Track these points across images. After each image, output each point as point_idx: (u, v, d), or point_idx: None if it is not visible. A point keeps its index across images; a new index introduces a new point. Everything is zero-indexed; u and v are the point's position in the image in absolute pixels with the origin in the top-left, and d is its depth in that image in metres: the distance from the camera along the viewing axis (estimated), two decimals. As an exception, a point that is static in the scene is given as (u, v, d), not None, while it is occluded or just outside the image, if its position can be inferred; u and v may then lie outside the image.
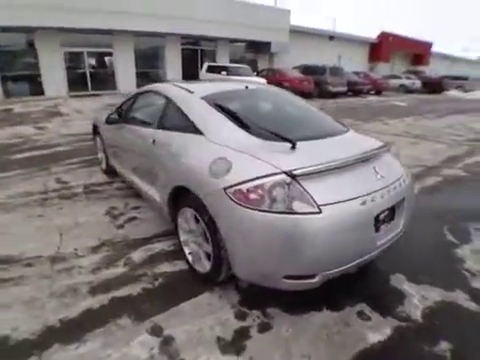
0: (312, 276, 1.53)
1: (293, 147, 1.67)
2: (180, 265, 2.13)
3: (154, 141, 2.25)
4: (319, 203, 1.46)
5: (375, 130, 7.10)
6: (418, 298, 1.93)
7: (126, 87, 13.44)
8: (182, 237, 2.09)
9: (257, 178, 1.50)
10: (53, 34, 11.35)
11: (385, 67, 25.77)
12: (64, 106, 9.55)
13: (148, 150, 2.31)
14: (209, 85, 2.63)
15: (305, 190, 1.48)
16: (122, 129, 2.86)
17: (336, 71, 14.56)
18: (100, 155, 3.82)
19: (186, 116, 2.07)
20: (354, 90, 15.74)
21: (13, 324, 1.64)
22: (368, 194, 1.60)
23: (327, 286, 1.67)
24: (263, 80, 11.97)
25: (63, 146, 5.21)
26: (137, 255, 2.25)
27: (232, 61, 16.49)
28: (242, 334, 1.62)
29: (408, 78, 20.19)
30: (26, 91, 11.59)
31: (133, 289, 1.91)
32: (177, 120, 2.14)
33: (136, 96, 2.89)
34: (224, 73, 11.84)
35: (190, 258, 2.04)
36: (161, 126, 2.29)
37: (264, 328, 1.66)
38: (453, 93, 20.02)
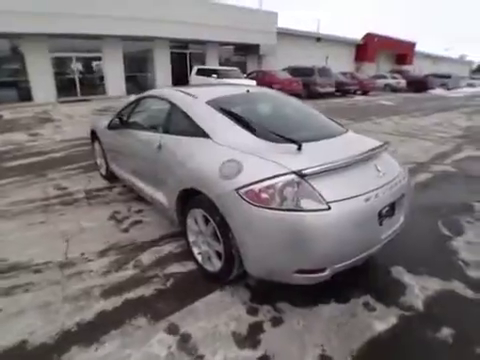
0: (322, 270, 1.61)
1: (299, 148, 1.75)
2: (189, 266, 2.18)
3: (160, 145, 2.29)
4: (328, 200, 1.54)
5: (366, 129, 7.28)
6: (418, 288, 2.03)
7: (115, 92, 13.37)
8: (191, 238, 2.14)
9: (268, 178, 1.57)
10: (41, 40, 11.20)
11: (371, 67, 26.36)
12: (54, 112, 9.42)
13: (153, 154, 2.35)
14: (211, 90, 2.69)
15: (314, 188, 1.56)
16: (124, 134, 2.89)
17: (324, 72, 14.82)
18: (99, 160, 3.82)
19: (192, 120, 2.12)
20: (342, 90, 16.07)
21: (29, 329, 1.66)
22: (372, 191, 1.70)
23: (332, 280, 1.75)
24: (253, 82, 12.11)
25: (58, 152, 5.17)
26: (146, 257, 2.28)
27: (221, 64, 16.59)
28: (256, 328, 1.68)
29: (393, 77, 20.72)
30: (14, 97, 11.38)
31: (146, 290, 1.94)
32: (183, 124, 2.19)
33: (138, 101, 2.93)
34: (214, 76, 11.91)
35: (199, 258, 2.09)
36: (166, 130, 2.34)
37: (276, 322, 1.73)
38: (437, 91, 20.66)
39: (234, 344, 1.58)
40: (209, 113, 2.10)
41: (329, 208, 1.53)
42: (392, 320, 1.77)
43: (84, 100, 12.20)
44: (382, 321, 1.76)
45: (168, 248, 2.40)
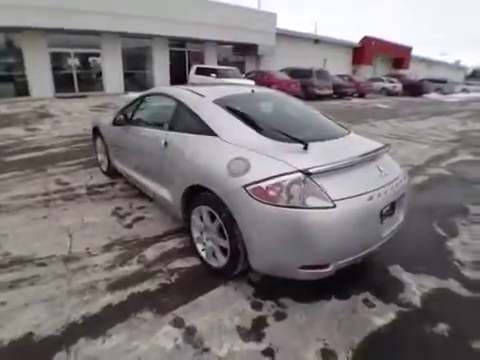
0: (326, 265, 1.66)
1: (305, 148, 1.80)
2: (193, 261, 2.21)
3: (166, 143, 2.32)
4: (333, 198, 1.59)
5: (363, 132, 7.37)
6: (416, 286, 2.10)
7: (113, 88, 13.31)
8: (195, 234, 2.17)
9: (276, 176, 1.62)
10: (39, 35, 11.11)
11: (367, 70, 26.62)
12: (52, 107, 9.35)
13: (159, 151, 2.38)
14: (217, 89, 2.73)
15: (320, 187, 1.61)
16: (129, 131, 2.91)
17: (322, 74, 14.92)
18: (100, 156, 3.83)
19: (199, 119, 2.16)
20: (339, 93, 16.17)
21: (35, 322, 1.67)
22: (374, 190, 1.75)
23: (333, 277, 1.80)
24: (252, 82, 12.15)
25: (57, 148, 5.15)
26: (149, 253, 2.31)
27: (220, 63, 16.60)
28: (260, 323, 1.72)
29: (390, 81, 20.93)
30: (11, 92, 11.25)
31: (150, 285, 1.97)
32: (190, 122, 2.23)
33: (142, 99, 2.95)
34: (213, 75, 11.93)
35: (203, 254, 2.12)
36: (172, 128, 2.37)
37: (280, 316, 1.77)
38: (433, 96, 20.94)
39: (239, 337, 1.62)
40: (217, 112, 2.14)
41: (334, 206, 1.58)
42: (391, 316, 1.82)
43: (82, 96, 12.12)
44: (381, 317, 1.81)
45: (171, 244, 2.43)
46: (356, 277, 2.15)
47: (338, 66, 23.67)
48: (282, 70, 15.55)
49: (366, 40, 26.72)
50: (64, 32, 11.36)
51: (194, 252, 2.23)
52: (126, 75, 13.94)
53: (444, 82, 23.02)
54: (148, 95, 2.92)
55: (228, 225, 1.79)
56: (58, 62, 12.25)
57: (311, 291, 1.96)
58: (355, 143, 2.20)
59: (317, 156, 1.78)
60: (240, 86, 2.92)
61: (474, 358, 1.60)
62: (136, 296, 1.88)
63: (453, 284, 2.12)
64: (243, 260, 1.82)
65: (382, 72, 27.47)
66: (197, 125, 2.15)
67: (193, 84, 13.18)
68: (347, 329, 1.71)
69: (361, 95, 17.98)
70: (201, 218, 2.06)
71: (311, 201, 1.58)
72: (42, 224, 2.68)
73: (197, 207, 2.04)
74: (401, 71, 28.38)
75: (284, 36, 19.48)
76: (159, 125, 2.54)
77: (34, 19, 10.12)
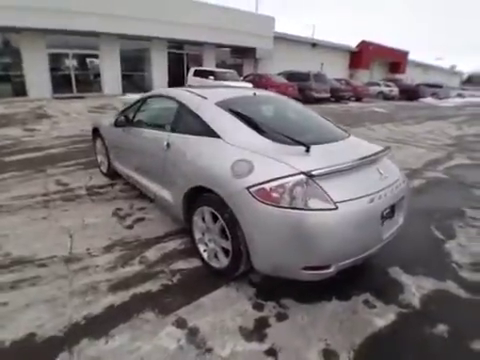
0: (328, 266, 1.67)
1: (307, 150, 1.82)
2: (194, 262, 2.22)
3: (168, 144, 2.33)
4: (335, 200, 1.61)
5: (361, 135, 7.35)
6: (415, 287, 2.12)
7: (111, 90, 13.31)
8: (197, 235, 2.18)
9: (279, 178, 1.64)
10: (38, 35, 11.09)
11: (364, 74, 26.86)
12: (50, 108, 9.31)
13: (161, 152, 2.39)
14: (219, 91, 2.75)
15: (322, 189, 1.63)
16: (130, 132, 2.92)
17: (320, 78, 15.05)
18: (100, 157, 3.83)
19: (202, 120, 2.17)
20: (336, 96, 16.32)
21: (37, 322, 1.67)
22: (375, 192, 1.78)
23: (334, 279, 1.82)
24: (250, 85, 12.20)
25: (56, 148, 5.14)
26: (151, 254, 2.31)
27: (218, 66, 16.67)
28: (262, 323, 1.73)
29: (387, 85, 21.15)
30: (8, 92, 11.19)
31: (152, 286, 1.97)
32: (192, 124, 2.25)
33: (144, 100, 2.96)
34: (211, 78, 11.98)
35: (205, 255, 2.13)
36: (174, 129, 2.38)
37: (281, 317, 1.79)
38: (429, 100, 21.18)
39: (241, 337, 1.63)
40: (219, 114, 2.16)
41: (336, 208, 1.60)
42: (391, 317, 1.84)
43: (79, 97, 12.10)
44: (382, 318, 1.83)
45: (173, 245, 2.43)
46: (356, 278, 2.17)
47: (335, 70, 23.86)
48: (280, 73, 15.66)
49: (363, 44, 26.99)
50: (63, 33, 11.36)
51: (195, 253, 2.24)
52: (124, 77, 13.94)
53: (440, 87, 23.32)
54: (149, 97, 2.94)
55: (231, 226, 1.81)
56: (56, 63, 12.22)
57: (312, 292, 1.98)
58: (355, 146, 2.23)
59: (319, 158, 1.81)
60: (241, 89, 2.95)
61: (473, 358, 1.63)
62: (138, 297, 1.88)
63: (451, 285, 2.15)
64: (245, 261, 1.84)
65: (379, 76, 27.75)
66: (200, 127, 2.17)
67: (190, 86, 13.23)
68: (348, 330, 1.73)
69: (358, 99, 18.14)
70: (203, 219, 2.07)
71: (313, 203, 1.60)
72: (42, 225, 2.68)
73: (199, 208, 2.05)
74: (398, 75, 28.69)
75: (282, 40, 19.62)
76: (161, 127, 2.56)
77: (33, 20, 10.11)
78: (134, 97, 12.12)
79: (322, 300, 1.94)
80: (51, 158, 4.59)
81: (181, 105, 2.41)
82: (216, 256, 2.04)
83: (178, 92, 2.58)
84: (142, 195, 3.21)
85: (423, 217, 3.19)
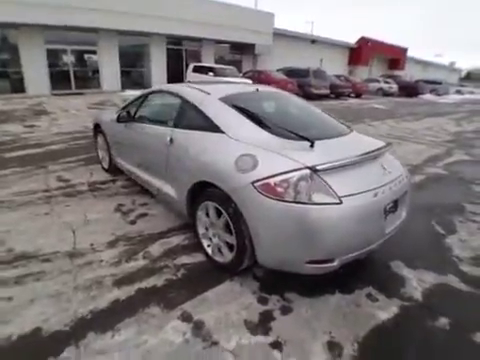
0: (332, 260, 1.69)
1: (312, 145, 1.82)
2: (198, 257, 2.23)
3: (171, 139, 2.33)
4: (339, 195, 1.62)
5: (361, 131, 7.43)
6: (417, 281, 2.14)
7: (110, 86, 13.24)
8: (200, 230, 2.19)
9: (284, 173, 1.64)
10: (36, 31, 11.00)
11: (364, 71, 26.81)
12: (48, 104, 9.27)
13: (164, 148, 2.39)
14: (221, 87, 2.74)
15: (326, 183, 1.64)
16: (132, 128, 2.91)
17: (319, 74, 14.99)
18: (101, 153, 3.82)
19: (206, 116, 2.17)
20: (336, 93, 16.28)
21: (43, 317, 1.67)
22: (379, 187, 1.79)
23: (336, 272, 1.84)
24: (249, 81, 12.16)
25: (56, 144, 5.12)
26: (154, 249, 2.32)
27: (217, 62, 16.59)
28: (267, 316, 1.75)
29: (386, 82, 21.12)
30: (6, 88, 11.11)
31: (157, 280, 1.98)
32: (196, 120, 2.24)
33: (146, 96, 2.95)
34: (211, 74, 11.94)
35: (209, 250, 2.14)
36: (177, 125, 2.38)
37: (286, 310, 1.80)
38: (428, 97, 21.19)
39: (247, 331, 1.65)
40: (223, 109, 2.16)
41: (340, 202, 1.61)
42: (394, 310, 1.86)
43: (78, 93, 12.04)
44: (385, 311, 1.85)
45: (176, 240, 2.44)
46: (359, 272, 2.19)
47: (335, 66, 23.81)
48: (279, 70, 15.61)
49: (363, 40, 26.91)
50: (61, 29, 11.27)
51: (199, 248, 2.25)
52: (123, 73, 13.86)
53: (439, 83, 23.31)
54: (152, 92, 2.93)
55: (235, 221, 1.82)
56: (55, 59, 12.13)
57: (315, 286, 1.99)
58: (358, 141, 2.24)
59: (323, 153, 1.81)
60: (243, 84, 2.94)
61: (475, 350, 1.65)
62: (143, 291, 1.89)
63: (452, 279, 2.17)
64: (249, 255, 1.85)
65: (378, 73, 27.68)
66: (203, 122, 2.17)
67: (190, 82, 13.11)
68: (352, 322, 1.75)
69: (357, 95, 18.11)
70: (207, 214, 2.08)
71: (318, 197, 1.61)
72: (45, 220, 2.68)
73: (203, 203, 2.06)
74: (397, 72, 28.63)
75: (281, 36, 19.53)
76: (164, 122, 2.55)
77: (32, 15, 10.03)
78: (133, 93, 12.11)
79: (325, 293, 1.96)
80: (52, 154, 4.58)
81: (184, 101, 2.41)
82: (220, 251, 2.05)
83: (181, 88, 2.57)
84: (144, 191, 3.21)
85: (424, 212, 3.21)
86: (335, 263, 1.70)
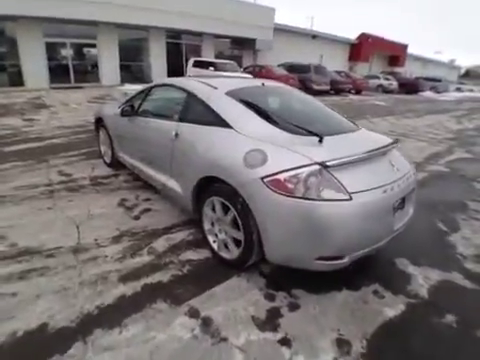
0: (341, 257, 1.68)
1: (320, 141, 1.80)
2: (204, 253, 2.22)
3: (177, 134, 2.30)
4: (349, 191, 1.61)
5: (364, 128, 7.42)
6: (422, 278, 2.14)
7: (110, 80, 13.11)
8: (206, 226, 2.17)
9: (293, 168, 1.62)
10: (35, 24, 10.83)
11: (364, 67, 26.70)
12: (48, 98, 9.16)
13: (169, 142, 2.36)
14: (227, 81, 2.70)
15: (336, 179, 1.62)
16: (136, 122, 2.87)
17: (320, 70, 14.93)
18: (103, 148, 3.79)
19: (212, 110, 2.14)
20: (336, 89, 16.23)
21: (49, 313, 1.65)
22: (388, 184, 1.78)
23: (343, 269, 1.81)
24: (250, 76, 12.09)
25: (57, 138, 5.07)
26: (159, 244, 2.30)
27: (217, 57, 16.45)
28: (274, 313, 1.74)
29: (386, 79, 21.06)
30: (5, 82, 10.97)
31: (163, 276, 1.97)
32: (202, 114, 2.21)
33: (150, 89, 2.91)
34: (211, 69, 11.85)
35: (215, 246, 2.13)
36: (183, 119, 2.35)
37: (293, 307, 1.79)
38: (427, 94, 21.15)
39: (255, 327, 1.64)
40: (230, 104, 2.13)
41: (351, 198, 1.60)
42: (401, 307, 1.86)
43: (77, 87, 11.91)
44: (392, 308, 1.85)
45: (181, 235, 2.42)
46: (365, 269, 2.19)
47: (335, 62, 23.68)
48: (280, 65, 15.52)
49: (363, 37, 26.75)
50: (60, 22, 11.12)
51: (204, 244, 2.24)
52: (122, 67, 13.72)
53: (439, 81, 23.27)
54: (156, 86, 2.89)
55: (243, 216, 1.80)
56: (54, 52, 11.98)
57: (322, 282, 1.99)
58: (367, 138, 2.22)
59: (332, 149, 1.79)
60: (249, 79, 2.90)
61: (482, 347, 1.65)
62: (149, 287, 1.87)
63: (457, 276, 2.17)
64: (257, 251, 1.83)
65: (378, 69, 27.59)
66: (210, 117, 2.14)
67: (189, 76, 13.03)
68: (360, 319, 1.74)
69: (357, 92, 18.05)
70: (213, 209, 2.06)
71: (328, 193, 1.60)
72: (48, 215, 2.65)
73: (209, 198, 2.04)
74: (397, 69, 28.54)
75: (281, 31, 19.37)
76: (169, 116, 2.51)
77: (30, 8, 9.86)
78: (133, 87, 12.00)
79: (332, 290, 1.95)
80: (53, 148, 4.53)
81: (190, 95, 2.37)
82: (226, 246, 2.04)
83: (187, 82, 2.53)
84: (147, 186, 3.18)
85: (427, 209, 3.21)
86: (345, 260, 1.69)
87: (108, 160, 3.70)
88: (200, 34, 15.67)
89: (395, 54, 31.16)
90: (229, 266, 2.05)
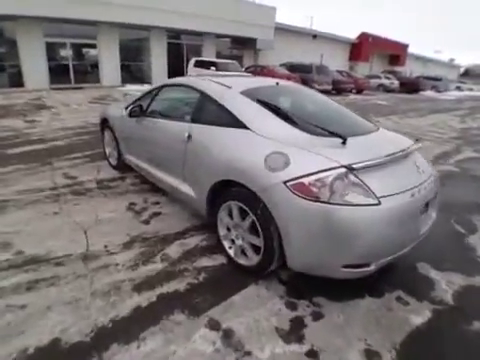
0: (368, 264, 1.60)
1: (344, 142, 1.72)
2: (219, 259, 2.13)
3: (189, 135, 2.21)
4: (378, 195, 1.52)
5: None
6: (445, 283, 2.07)
7: (110, 81, 13.01)
8: (221, 231, 2.09)
9: (319, 172, 1.54)
10: (35, 24, 10.71)
11: (364, 67, 26.64)
12: (48, 99, 9.06)
13: (181, 144, 2.27)
14: (240, 80, 2.61)
15: (364, 183, 1.54)
16: (145, 123, 2.78)
17: (322, 70, 14.86)
18: (108, 150, 3.69)
19: (228, 111, 2.05)
20: (338, 89, 16.14)
21: (61, 327, 1.55)
22: (415, 187, 1.70)
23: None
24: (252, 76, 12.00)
25: (60, 140, 4.96)
26: (172, 250, 2.21)
27: (218, 57, 16.36)
28: (298, 323, 1.66)
29: (387, 78, 21.00)
30: (4, 83, 10.84)
31: (179, 284, 1.88)
32: (216, 115, 2.12)
33: (160, 89, 2.81)
34: (213, 68, 11.76)
35: (231, 252, 2.04)
36: (196, 120, 2.25)
37: (317, 316, 1.71)
38: (429, 93, 21.11)
39: (279, 339, 1.55)
40: (246, 104, 2.04)
41: (379, 203, 1.51)
42: (427, 313, 1.79)
43: (78, 88, 11.81)
44: (418, 315, 1.77)
45: (194, 241, 2.34)
46: (386, 274, 2.10)
47: (335, 62, 23.60)
48: (281, 65, 15.44)
49: (363, 36, 26.70)
50: (60, 21, 11.00)
51: (219, 249, 2.15)
52: (123, 67, 13.62)
53: (439, 80, 23.21)
54: (166, 86, 2.79)
55: (263, 222, 1.71)
56: (54, 53, 11.87)
57: (344, 289, 1.90)
58: (389, 138, 2.14)
59: (356, 151, 1.71)
60: (262, 78, 2.82)
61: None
62: (165, 297, 1.78)
63: (480, 281, 2.10)
64: (278, 258, 1.75)
65: (378, 69, 27.53)
66: (225, 118, 2.05)
67: (190, 76, 12.92)
68: (386, 328, 1.67)
69: (359, 91, 17.98)
70: (230, 214, 1.97)
71: (355, 198, 1.51)
72: (54, 220, 2.55)
73: (226, 203, 1.95)
74: (397, 68, 28.49)
75: (282, 30, 19.29)
76: (180, 117, 2.42)
77: (30, 7, 9.73)
78: (134, 88, 11.88)
79: (355, 297, 1.87)
80: (56, 150, 4.43)
81: (203, 94, 2.28)
82: (244, 253, 1.95)
83: (198, 81, 2.44)
84: (155, 188, 3.09)
85: (441, 211, 3.10)
86: (372, 267, 1.61)
87: (114, 162, 3.60)
88: (201, 34, 15.58)
89: (395, 53, 31.12)
90: (247, 273, 1.96)
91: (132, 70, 14.39)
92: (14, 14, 9.87)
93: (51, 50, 11.68)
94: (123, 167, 3.49)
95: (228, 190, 1.92)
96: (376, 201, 1.51)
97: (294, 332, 1.60)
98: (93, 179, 3.40)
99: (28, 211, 2.68)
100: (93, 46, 12.82)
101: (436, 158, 5.09)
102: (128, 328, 1.57)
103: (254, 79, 2.74)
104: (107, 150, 3.73)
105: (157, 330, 1.57)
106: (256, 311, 1.72)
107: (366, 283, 1.96)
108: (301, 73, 14.03)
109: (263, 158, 1.69)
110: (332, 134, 1.76)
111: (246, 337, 1.55)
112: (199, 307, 1.72)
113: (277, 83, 2.47)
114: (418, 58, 36.81)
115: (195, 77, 2.67)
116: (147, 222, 2.59)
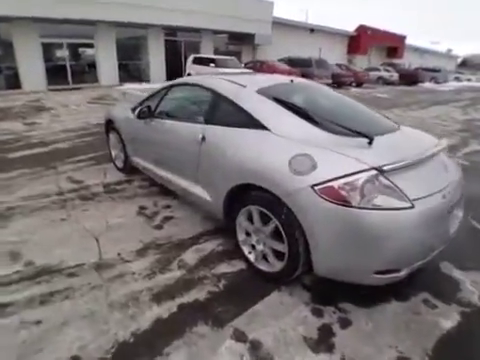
0: (398, 270, 1.53)
1: (370, 142, 1.64)
2: (238, 265, 2.06)
3: (203, 137, 2.12)
4: (411, 198, 1.45)
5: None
6: (470, 283, 2.00)
7: (108, 80, 12.84)
8: (240, 236, 2.01)
9: (349, 175, 1.46)
10: (31, 24, 10.50)
11: (363, 59, 26.45)
12: (47, 100, 8.92)
13: (195, 146, 2.18)
14: (254, 78, 2.52)
15: (396, 186, 1.46)
16: (154, 124, 2.68)
17: (321, 63, 14.73)
18: (114, 152, 3.59)
19: (244, 111, 1.96)
20: (337, 82, 16.01)
21: (79, 343, 1.48)
22: (446, 187, 1.63)
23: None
24: (251, 72, 11.87)
25: (62, 143, 4.86)
26: (188, 257, 2.14)
27: (216, 53, 16.17)
28: (326, 331, 1.59)
29: (386, 70, 20.85)
30: (1, 85, 10.70)
31: (199, 293, 1.81)
32: (232, 115, 2.03)
33: (169, 89, 2.71)
34: (212, 65, 11.62)
35: (252, 257, 1.96)
36: (210, 121, 2.16)
37: (344, 323, 1.65)
38: (428, 85, 21.00)
39: (308, 349, 1.49)
40: (264, 103, 1.95)
41: (413, 206, 1.44)
42: (456, 317, 1.72)
43: (76, 88, 11.64)
44: (447, 318, 1.71)
45: (210, 246, 2.26)
46: (409, 276, 2.04)
47: (334, 55, 23.41)
48: (280, 59, 15.28)
49: (361, 29, 26.46)
50: (57, 22, 10.79)
51: (237, 254, 2.08)
52: (121, 66, 13.44)
53: (438, 71, 23.08)
54: (175, 85, 2.69)
55: (287, 227, 1.64)
56: (50, 53, 11.70)
57: (368, 294, 1.83)
58: (414, 137, 2.06)
59: (384, 152, 1.64)
60: (275, 76, 2.72)
61: None
62: (186, 307, 1.71)
63: (507, 280, 2.04)
64: (303, 264, 1.68)
65: (377, 61, 27.32)
66: (242, 118, 1.96)
67: (189, 74, 12.86)
68: (416, 333, 1.61)
69: (358, 84, 17.85)
70: (250, 219, 1.89)
71: (387, 201, 1.44)
72: (63, 227, 2.47)
73: (246, 207, 1.87)
74: (395, 60, 28.29)
75: (279, 25, 19.07)
76: (193, 118, 2.33)
77: (25, 8, 9.54)
78: (132, 87, 11.72)
79: (381, 302, 1.81)
80: (58, 153, 4.33)
81: (216, 94, 2.18)
82: (265, 258, 1.88)
83: (212, 80, 2.34)
84: (164, 191, 3.01)
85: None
86: (402, 273, 1.54)
87: (120, 164, 3.51)
88: (199, 30, 15.37)
89: (393, 45, 30.88)
90: (269, 280, 1.89)
91: (130, 69, 14.22)
92: (9, 15, 9.67)
93: (48, 51, 11.50)
94: (130, 170, 3.40)
95: (247, 194, 1.84)
96: (410, 204, 1.44)
97: (323, 341, 1.54)
98: (100, 183, 3.31)
99: (34, 218, 2.60)
100: (90, 46, 12.63)
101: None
102: (151, 342, 1.50)
103: (266, 77, 2.65)
104: (113, 152, 3.63)
105: (181, 344, 1.50)
106: (282, 320, 1.65)
107: (389, 286, 1.89)
108: (301, 67, 13.89)
109: (287, 161, 1.61)
110: (357, 133, 1.68)
111: (274, 348, 1.49)
112: (222, 317, 1.65)
113: (291, 80, 2.38)
114: (416, 50, 36.58)
115: (207, 76, 2.57)
116: (159, 227, 2.51)
